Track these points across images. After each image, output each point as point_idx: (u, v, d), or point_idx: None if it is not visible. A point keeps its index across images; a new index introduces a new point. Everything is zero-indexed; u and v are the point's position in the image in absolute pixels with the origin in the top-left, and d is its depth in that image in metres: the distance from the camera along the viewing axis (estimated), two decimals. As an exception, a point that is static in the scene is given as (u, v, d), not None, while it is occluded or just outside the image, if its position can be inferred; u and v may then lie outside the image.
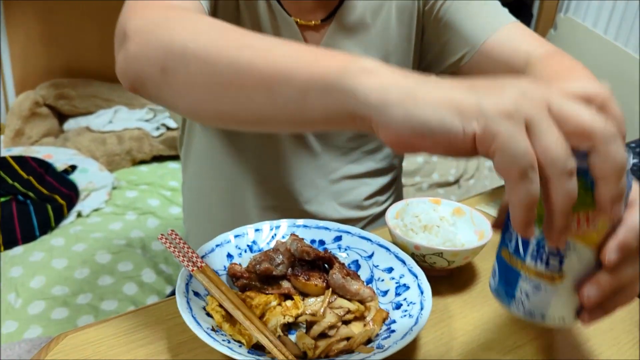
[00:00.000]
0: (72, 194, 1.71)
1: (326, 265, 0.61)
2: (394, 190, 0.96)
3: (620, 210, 0.36)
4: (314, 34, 0.76)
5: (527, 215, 0.34)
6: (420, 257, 0.62)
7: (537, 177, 0.33)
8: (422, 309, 0.53)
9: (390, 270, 0.61)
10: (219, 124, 0.55)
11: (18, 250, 1.48)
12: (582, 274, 0.39)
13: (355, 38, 0.78)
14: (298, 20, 0.75)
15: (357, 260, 0.64)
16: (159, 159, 2.17)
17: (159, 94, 0.51)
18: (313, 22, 0.75)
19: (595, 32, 2.13)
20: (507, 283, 0.42)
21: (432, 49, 0.83)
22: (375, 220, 0.92)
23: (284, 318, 0.53)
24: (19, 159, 1.78)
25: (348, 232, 0.66)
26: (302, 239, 0.63)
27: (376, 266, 0.62)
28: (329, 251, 0.62)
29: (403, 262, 0.60)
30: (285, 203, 0.84)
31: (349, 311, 0.55)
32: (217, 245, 0.62)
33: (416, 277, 0.58)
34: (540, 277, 0.40)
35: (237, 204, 0.83)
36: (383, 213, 0.89)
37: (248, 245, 0.64)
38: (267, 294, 0.57)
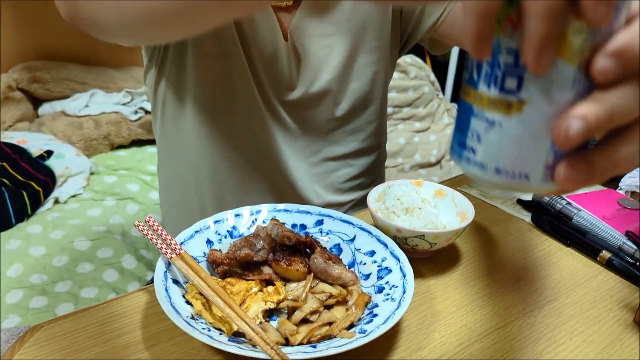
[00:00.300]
0: (48, 180, 1.67)
1: (308, 250, 0.60)
2: (378, 175, 0.95)
3: (609, 14, 0.25)
4: (287, 15, 0.75)
5: (482, 26, 0.26)
6: (402, 240, 0.61)
7: None
8: (404, 292, 0.52)
9: (372, 253, 0.60)
10: (152, 31, 0.53)
11: (-6, 238, 1.45)
12: (550, 102, 0.28)
13: (327, 17, 0.76)
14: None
15: (338, 244, 0.63)
16: (137, 143, 2.13)
17: (90, 11, 0.50)
18: (285, 3, 0.74)
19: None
20: (460, 130, 0.32)
21: (412, 18, 0.81)
22: (358, 206, 0.91)
23: (265, 304, 0.53)
24: (-8, 145, 1.73)
25: (329, 216, 0.65)
26: (283, 223, 0.62)
27: (358, 250, 0.61)
28: (310, 235, 0.61)
29: (385, 245, 0.60)
30: (263, 188, 0.82)
31: (331, 296, 0.54)
32: (196, 232, 0.61)
33: (398, 260, 0.57)
34: (494, 107, 0.29)
35: (213, 188, 0.82)
36: (365, 198, 0.88)
37: (228, 231, 0.63)
38: (248, 280, 0.56)
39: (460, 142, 0.32)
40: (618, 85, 0.27)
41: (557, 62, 0.27)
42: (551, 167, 0.29)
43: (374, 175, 0.93)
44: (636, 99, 0.27)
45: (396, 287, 0.54)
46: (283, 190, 0.83)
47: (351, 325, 0.51)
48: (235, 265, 0.57)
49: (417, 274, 0.62)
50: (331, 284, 0.56)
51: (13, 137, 1.87)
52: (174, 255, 0.55)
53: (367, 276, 0.59)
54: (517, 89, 0.28)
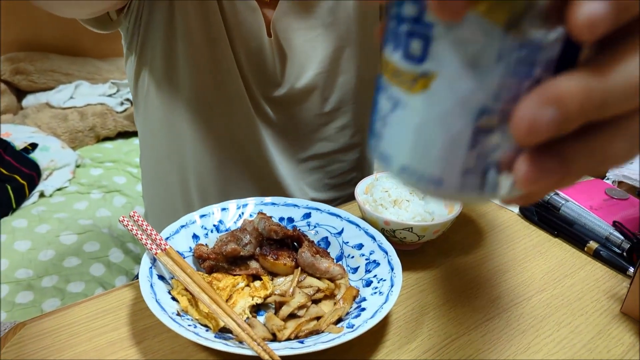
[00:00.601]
0: (33, 174, 1.65)
1: (295, 244, 0.60)
2: (367, 168, 0.94)
3: None
4: (272, 11, 0.73)
5: None
6: (390, 233, 0.61)
7: None
8: (392, 285, 0.52)
9: (360, 246, 0.60)
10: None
11: (-22, 233, 1.43)
12: (467, 80, 0.19)
13: (310, 10, 0.75)
14: None
15: (326, 237, 0.62)
16: (124, 135, 2.11)
17: None
18: None
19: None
20: (372, 110, 0.24)
21: None
22: (347, 202, 0.91)
23: (252, 299, 0.52)
24: (-25, 138, 1.71)
25: (317, 209, 0.64)
26: (270, 217, 0.61)
27: (346, 243, 0.61)
28: (297, 229, 0.60)
29: (373, 238, 0.59)
30: (249, 186, 0.81)
31: (318, 290, 0.54)
32: (182, 226, 0.60)
33: (386, 253, 0.57)
34: (398, 79, 0.21)
35: (197, 184, 0.80)
36: (353, 194, 0.88)
37: (214, 225, 0.62)
38: (234, 275, 0.56)
39: (372, 126, 0.24)
40: (616, 49, 0.18)
41: (473, 19, 0.18)
42: (473, 172, 0.21)
43: (363, 169, 0.92)
44: None
45: (384, 280, 0.54)
46: (269, 188, 0.82)
47: (339, 320, 0.51)
48: (221, 260, 0.56)
49: (406, 267, 0.61)
50: (319, 278, 0.56)
51: (-4, 129, 1.84)
52: (159, 251, 0.54)
53: (355, 269, 0.58)
54: (422, 56, 0.20)
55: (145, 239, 0.55)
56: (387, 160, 0.22)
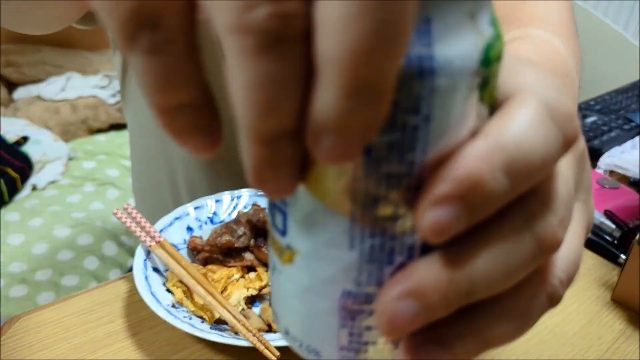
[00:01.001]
0: (25, 167, 1.64)
1: (289, 235, 0.60)
2: None
3: (353, 150, 0.14)
4: None
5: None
6: (384, 223, 0.61)
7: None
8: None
9: (354, 237, 0.60)
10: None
11: (-30, 227, 1.42)
12: (323, 263, 0.18)
13: None
14: None
15: (321, 229, 0.63)
16: (116, 127, 2.10)
17: None
18: None
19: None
20: None
21: None
22: None
23: (247, 291, 0.52)
24: (-35, 132, 1.69)
25: (311, 200, 0.64)
26: (265, 208, 0.61)
27: (340, 234, 0.61)
28: (292, 220, 0.60)
29: (367, 228, 0.60)
30: (239, 185, 0.81)
31: (313, 281, 0.54)
32: (176, 218, 0.60)
33: (380, 243, 0.57)
34: (273, 245, 0.20)
35: (186, 181, 0.80)
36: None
37: (209, 217, 0.62)
38: (229, 266, 0.56)
39: None
40: (478, 234, 0.16)
41: (317, 204, 0.17)
42: (350, 349, 0.19)
43: None
44: (518, 254, 0.16)
45: (378, 270, 0.54)
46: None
47: (334, 310, 0.51)
48: (216, 252, 0.56)
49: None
50: (313, 269, 0.56)
51: (-13, 123, 1.83)
52: (153, 244, 0.54)
53: (350, 260, 0.59)
54: (283, 230, 0.19)
55: (139, 232, 0.55)
56: (276, 319, 0.22)
